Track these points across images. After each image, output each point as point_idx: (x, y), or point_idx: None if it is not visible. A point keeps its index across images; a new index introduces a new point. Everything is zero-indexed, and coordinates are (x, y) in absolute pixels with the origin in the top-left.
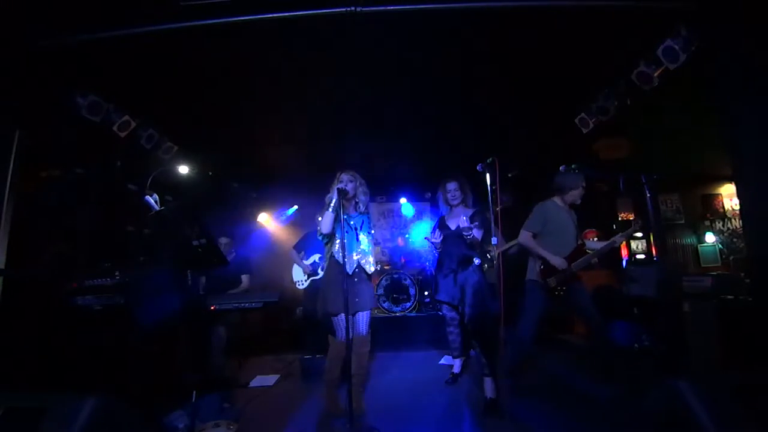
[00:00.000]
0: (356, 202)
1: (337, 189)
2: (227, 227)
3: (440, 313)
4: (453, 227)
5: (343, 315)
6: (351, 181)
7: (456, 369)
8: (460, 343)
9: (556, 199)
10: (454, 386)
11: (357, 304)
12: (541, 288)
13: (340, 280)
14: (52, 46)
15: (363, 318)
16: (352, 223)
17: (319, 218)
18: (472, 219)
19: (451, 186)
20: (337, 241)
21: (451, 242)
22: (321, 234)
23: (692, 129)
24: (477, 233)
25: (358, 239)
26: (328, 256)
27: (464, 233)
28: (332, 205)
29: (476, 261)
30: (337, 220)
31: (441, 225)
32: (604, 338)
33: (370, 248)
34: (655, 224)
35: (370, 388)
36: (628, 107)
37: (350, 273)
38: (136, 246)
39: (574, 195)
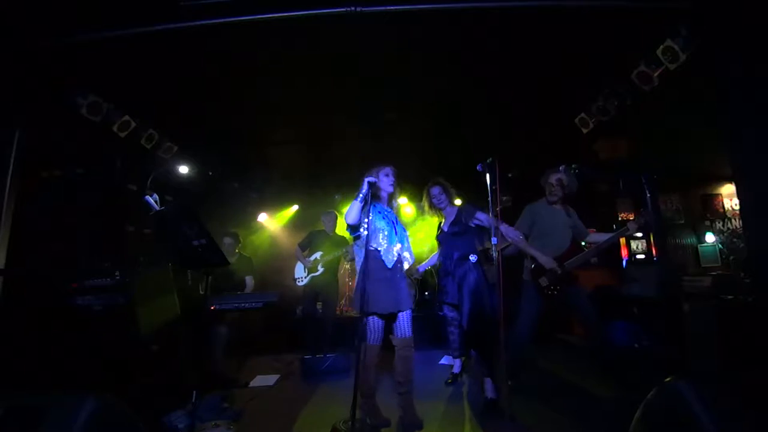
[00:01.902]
0: (390, 197)
1: (368, 181)
2: (229, 227)
3: (441, 313)
4: (446, 228)
5: (376, 317)
6: (387, 176)
7: (456, 369)
8: (460, 343)
9: (546, 199)
10: (454, 386)
11: (399, 303)
12: (533, 288)
13: (381, 276)
14: (52, 46)
15: (405, 318)
16: (389, 215)
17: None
18: (459, 214)
19: (435, 191)
20: (380, 234)
21: (446, 243)
22: (347, 225)
23: (692, 129)
24: (483, 216)
25: (396, 232)
26: (361, 248)
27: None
28: (361, 194)
29: (472, 258)
30: (365, 211)
31: (438, 229)
32: (601, 339)
33: (407, 242)
34: (655, 224)
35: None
36: (628, 107)
37: (390, 267)
38: (136, 246)
39: (554, 194)
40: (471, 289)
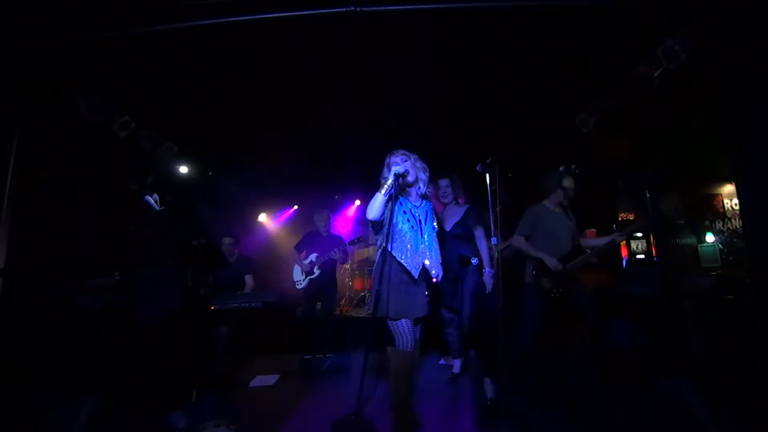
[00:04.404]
0: (418, 186)
1: (395, 174)
2: (229, 227)
3: (440, 314)
4: (448, 228)
5: (404, 320)
6: (405, 161)
7: (456, 369)
8: (459, 343)
9: (547, 202)
10: (454, 386)
11: (417, 309)
12: (537, 290)
13: (399, 280)
14: (52, 46)
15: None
16: (416, 214)
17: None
18: (465, 216)
19: (443, 183)
20: (404, 239)
21: (447, 243)
22: (370, 222)
23: (692, 129)
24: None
25: (422, 234)
26: (379, 248)
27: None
28: (386, 186)
29: (474, 261)
30: (389, 206)
31: (438, 227)
32: (602, 340)
33: (435, 246)
34: (655, 224)
35: (369, 388)
36: (628, 107)
37: (416, 277)
38: (136, 246)
39: (558, 197)
40: (472, 290)
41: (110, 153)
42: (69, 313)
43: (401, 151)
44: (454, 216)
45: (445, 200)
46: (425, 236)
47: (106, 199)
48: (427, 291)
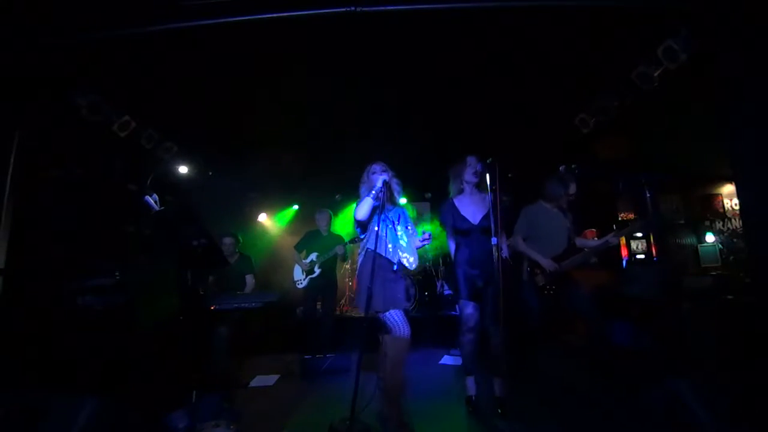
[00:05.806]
0: (391, 194)
1: (384, 181)
2: (228, 227)
3: (460, 314)
4: (475, 221)
5: (393, 311)
6: (384, 171)
7: (471, 390)
8: (474, 355)
9: (543, 201)
10: (454, 386)
11: (400, 302)
12: (532, 288)
13: (383, 277)
14: (53, 46)
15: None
16: (390, 215)
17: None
18: (499, 207)
19: (472, 159)
20: (386, 236)
21: (474, 238)
22: (356, 222)
23: (692, 129)
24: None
25: (396, 233)
26: (362, 249)
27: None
28: (374, 191)
29: (504, 254)
30: (375, 211)
31: (455, 217)
32: (601, 338)
33: (408, 242)
34: (656, 224)
35: (365, 389)
36: (628, 107)
37: (395, 269)
38: (136, 246)
39: (561, 201)
40: (506, 286)
41: (110, 153)
42: (69, 313)
43: (380, 162)
44: (479, 206)
45: (474, 180)
46: (398, 234)
47: (106, 199)
48: (413, 286)
